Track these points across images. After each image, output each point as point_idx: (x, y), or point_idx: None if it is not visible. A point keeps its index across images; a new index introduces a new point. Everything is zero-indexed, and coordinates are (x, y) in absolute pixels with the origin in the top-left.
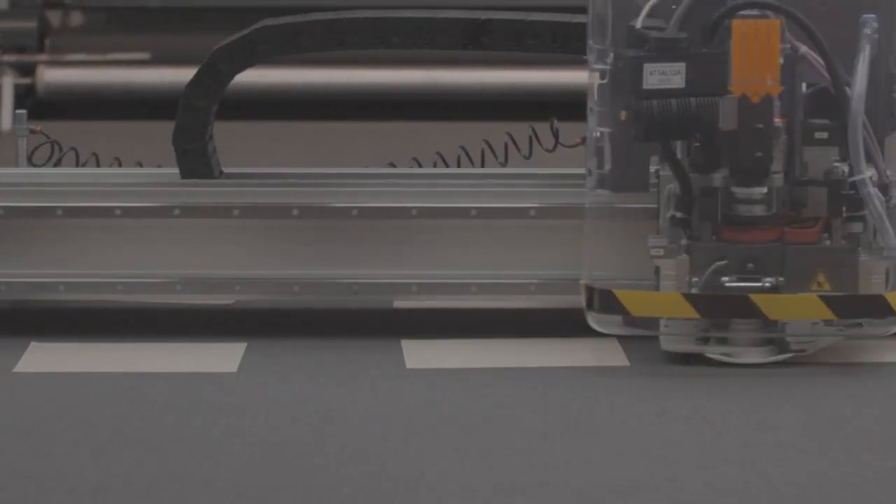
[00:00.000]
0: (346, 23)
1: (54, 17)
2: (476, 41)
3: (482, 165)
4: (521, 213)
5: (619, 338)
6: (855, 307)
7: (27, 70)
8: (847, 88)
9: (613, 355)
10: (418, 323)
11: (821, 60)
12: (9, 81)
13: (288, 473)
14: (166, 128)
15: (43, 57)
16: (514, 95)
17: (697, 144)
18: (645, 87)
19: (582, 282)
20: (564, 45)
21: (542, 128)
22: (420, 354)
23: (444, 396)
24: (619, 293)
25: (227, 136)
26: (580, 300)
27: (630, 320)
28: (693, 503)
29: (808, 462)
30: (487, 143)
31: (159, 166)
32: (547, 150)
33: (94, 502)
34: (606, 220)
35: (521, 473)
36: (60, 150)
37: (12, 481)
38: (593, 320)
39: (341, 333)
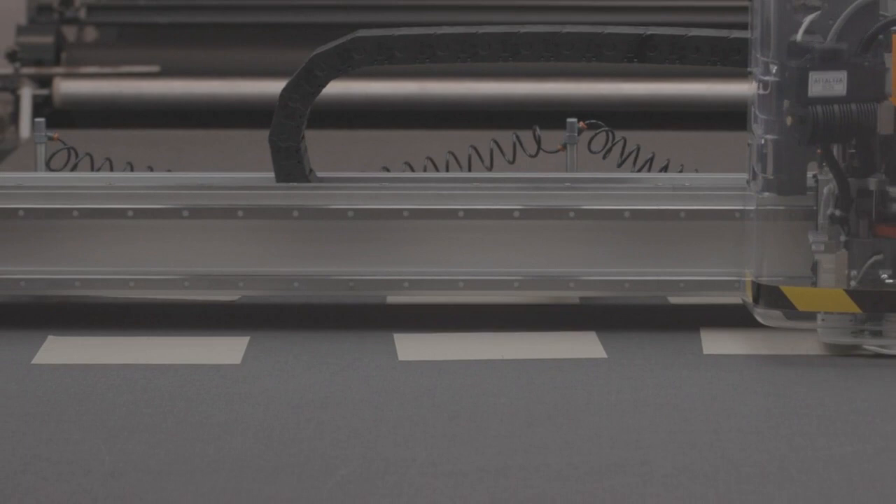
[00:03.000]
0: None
1: (70, 33)
2: (643, 56)
3: (469, 169)
4: (505, 214)
5: (599, 333)
6: None
7: (44, 82)
8: None
9: (592, 348)
10: (410, 318)
11: None
12: (27, 93)
13: (288, 456)
14: (173, 135)
15: (59, 69)
16: (500, 105)
17: (852, 151)
18: (810, 94)
19: (747, 279)
20: (724, 58)
21: (525, 136)
22: (411, 347)
23: (434, 386)
24: (784, 289)
25: (229, 144)
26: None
27: (792, 314)
28: (664, 484)
29: (771, 447)
30: (475, 148)
31: (168, 170)
32: (530, 156)
33: (108, 483)
34: (770, 221)
35: (505, 457)
36: (76, 155)
37: (32, 465)
38: (758, 314)
39: (337, 328)
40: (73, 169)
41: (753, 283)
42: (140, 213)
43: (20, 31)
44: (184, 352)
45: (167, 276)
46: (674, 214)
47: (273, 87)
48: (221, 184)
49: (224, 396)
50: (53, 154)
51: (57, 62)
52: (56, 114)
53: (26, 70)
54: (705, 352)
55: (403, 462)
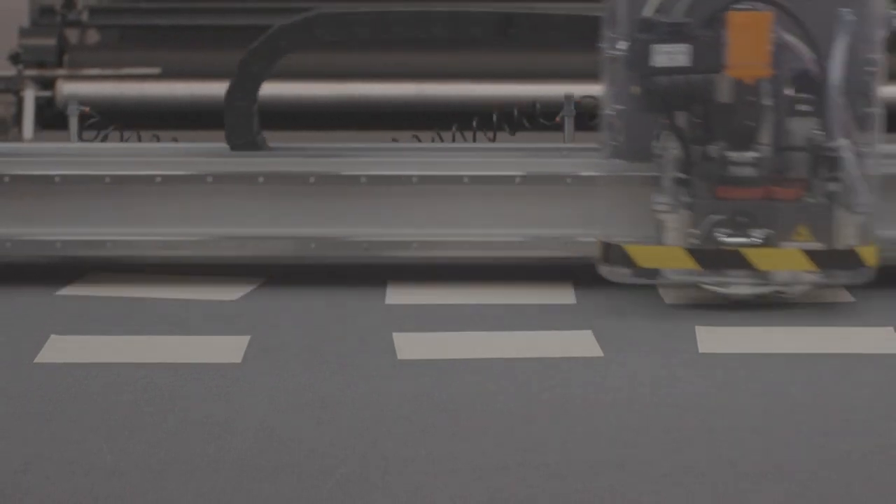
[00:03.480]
0: (393, 14)
1: (72, 35)
2: (504, 33)
3: (474, 140)
4: (507, 180)
5: (595, 332)
6: (831, 260)
7: (47, 84)
8: (827, 69)
9: (589, 347)
10: (410, 317)
11: (803, 47)
12: (30, 94)
13: (288, 455)
14: (174, 136)
15: (62, 71)
16: (500, 106)
17: (696, 119)
18: (654, 64)
19: (597, 239)
20: (582, 36)
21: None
22: (411, 347)
23: (433, 385)
24: (628, 248)
25: None
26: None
27: (637, 272)
28: (661, 482)
29: (766, 444)
30: (478, 120)
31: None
32: (528, 128)
33: (109, 483)
34: (619, 185)
35: (503, 454)
36: (106, 126)
37: (33, 463)
38: (605, 272)
39: (337, 327)
40: (104, 139)
41: (601, 242)
42: (167, 179)
43: (23, 33)
44: (185, 351)
45: (193, 238)
46: None
47: (273, 89)
48: (242, 154)
49: (224, 396)
50: (86, 125)
51: (59, 64)
52: (58, 115)
53: (29, 72)
54: (701, 350)
55: (403, 461)
